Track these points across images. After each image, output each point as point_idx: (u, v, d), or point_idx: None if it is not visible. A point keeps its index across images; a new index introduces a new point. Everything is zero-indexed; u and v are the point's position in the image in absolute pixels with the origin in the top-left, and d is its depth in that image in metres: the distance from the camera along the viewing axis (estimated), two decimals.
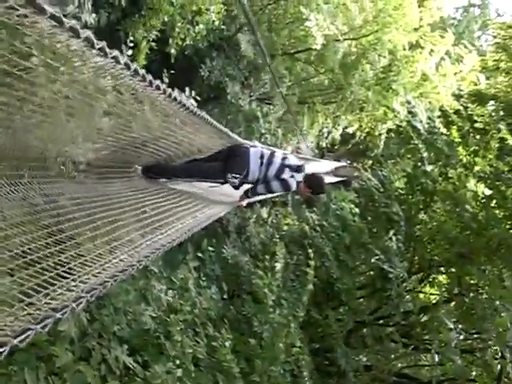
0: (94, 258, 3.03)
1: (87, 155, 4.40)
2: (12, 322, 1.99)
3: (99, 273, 2.86)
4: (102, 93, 2.79)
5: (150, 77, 2.67)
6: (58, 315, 2.14)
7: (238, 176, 6.48)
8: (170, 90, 3.04)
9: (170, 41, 10.17)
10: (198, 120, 4.17)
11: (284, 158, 6.68)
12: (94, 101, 2.89)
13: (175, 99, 3.20)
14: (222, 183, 6.75)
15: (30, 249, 2.72)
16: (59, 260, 2.76)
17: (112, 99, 2.93)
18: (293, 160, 6.77)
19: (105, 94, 2.83)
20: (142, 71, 2.56)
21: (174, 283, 7.62)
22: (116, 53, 2.21)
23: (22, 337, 1.89)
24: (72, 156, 4.24)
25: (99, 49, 2.07)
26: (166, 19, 9.75)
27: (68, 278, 2.60)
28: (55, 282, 2.49)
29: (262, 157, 6.57)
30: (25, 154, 3.51)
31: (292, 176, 6.65)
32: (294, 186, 6.84)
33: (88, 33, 1.93)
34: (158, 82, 2.78)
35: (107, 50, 2.14)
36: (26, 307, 2.15)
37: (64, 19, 1.78)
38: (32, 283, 2.38)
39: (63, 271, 2.64)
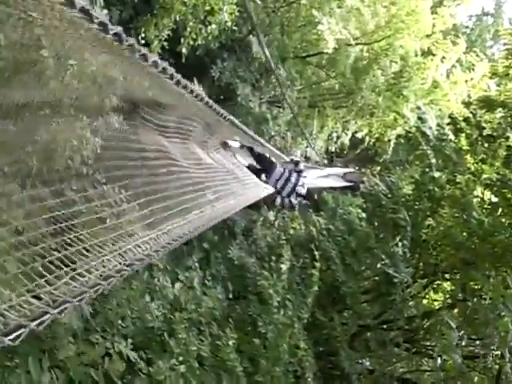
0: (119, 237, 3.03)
1: None
2: (29, 304, 1.97)
3: (120, 255, 2.85)
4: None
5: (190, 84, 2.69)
6: (76, 301, 2.15)
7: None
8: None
9: (182, 40, 10.21)
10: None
11: (295, 185, 9.51)
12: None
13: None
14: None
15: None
16: (78, 239, 2.76)
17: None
18: (302, 189, 9.55)
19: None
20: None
21: (178, 276, 7.69)
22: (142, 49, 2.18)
23: (40, 320, 1.87)
24: None
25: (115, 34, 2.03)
26: (177, 18, 9.79)
27: (87, 260, 2.60)
28: (73, 265, 2.49)
29: (280, 177, 9.25)
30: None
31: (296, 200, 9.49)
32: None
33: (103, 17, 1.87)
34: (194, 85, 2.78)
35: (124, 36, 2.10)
36: (45, 289, 2.15)
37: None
38: (50, 267, 2.38)
39: (82, 254, 2.64)
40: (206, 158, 6.99)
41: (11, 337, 1.73)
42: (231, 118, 4.53)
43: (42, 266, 2.40)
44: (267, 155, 9.51)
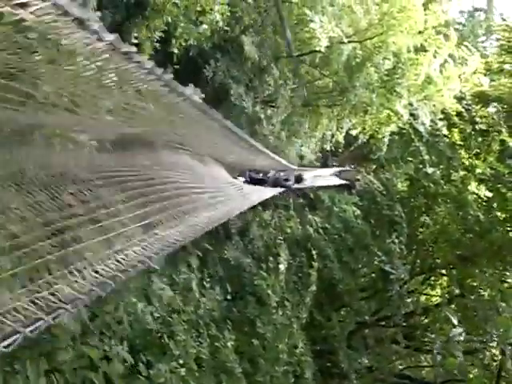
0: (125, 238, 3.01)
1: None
2: (24, 310, 1.95)
3: (123, 258, 2.84)
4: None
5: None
6: (70, 307, 2.15)
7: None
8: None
9: (173, 41, 10.19)
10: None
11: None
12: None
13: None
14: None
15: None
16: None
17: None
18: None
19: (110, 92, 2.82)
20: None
21: (174, 280, 7.65)
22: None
23: (34, 326, 1.86)
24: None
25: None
26: (169, 20, 9.77)
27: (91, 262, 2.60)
28: (79, 264, 2.49)
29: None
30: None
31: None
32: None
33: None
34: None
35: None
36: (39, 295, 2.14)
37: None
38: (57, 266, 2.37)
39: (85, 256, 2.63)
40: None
41: (5, 343, 1.71)
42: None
43: (37, 269, 2.39)
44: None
